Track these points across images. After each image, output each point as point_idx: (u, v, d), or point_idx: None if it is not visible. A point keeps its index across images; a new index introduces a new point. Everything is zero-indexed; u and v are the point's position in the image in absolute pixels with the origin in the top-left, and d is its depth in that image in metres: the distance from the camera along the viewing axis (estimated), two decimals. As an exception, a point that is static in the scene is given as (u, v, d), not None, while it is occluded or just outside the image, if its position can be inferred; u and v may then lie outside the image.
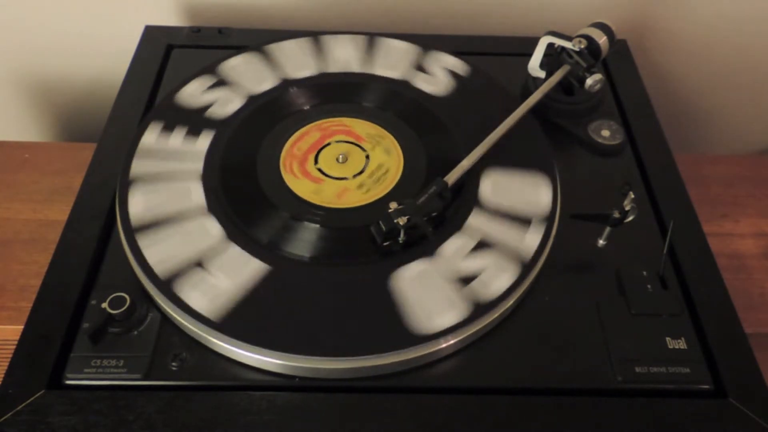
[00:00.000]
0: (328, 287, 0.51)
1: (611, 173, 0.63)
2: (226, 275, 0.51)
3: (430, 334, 0.48)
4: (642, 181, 0.62)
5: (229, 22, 0.84)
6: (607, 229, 0.55)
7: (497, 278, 0.52)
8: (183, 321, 0.49)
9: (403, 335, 0.48)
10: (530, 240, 0.54)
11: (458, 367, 0.49)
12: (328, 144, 0.62)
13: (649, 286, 0.53)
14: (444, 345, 0.49)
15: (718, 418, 0.47)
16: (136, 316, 0.50)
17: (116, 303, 0.49)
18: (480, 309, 0.50)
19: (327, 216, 0.55)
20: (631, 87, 0.72)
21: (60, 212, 0.69)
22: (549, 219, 0.56)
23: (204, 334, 0.49)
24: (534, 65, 0.68)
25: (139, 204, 0.56)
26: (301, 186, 0.58)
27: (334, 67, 0.69)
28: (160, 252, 0.53)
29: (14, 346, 0.49)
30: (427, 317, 0.49)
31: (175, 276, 0.51)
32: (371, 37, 0.73)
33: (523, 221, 0.56)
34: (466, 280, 0.52)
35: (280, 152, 0.61)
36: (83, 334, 0.49)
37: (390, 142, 0.61)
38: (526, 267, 0.52)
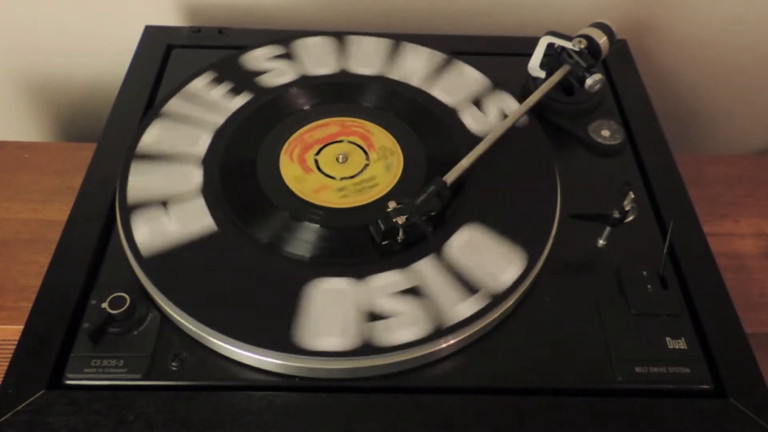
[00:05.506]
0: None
1: (611, 173, 0.63)
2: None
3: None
4: (642, 181, 0.62)
5: (229, 22, 0.84)
6: (607, 229, 0.56)
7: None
8: (183, 321, 0.49)
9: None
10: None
11: (458, 367, 0.49)
12: (337, 141, 0.62)
13: (649, 286, 0.53)
14: (444, 345, 0.49)
15: (718, 418, 0.47)
16: (136, 316, 0.50)
17: (116, 303, 0.49)
18: (479, 309, 0.50)
19: (327, 216, 0.55)
20: (631, 87, 0.72)
21: (60, 212, 0.69)
22: (549, 219, 0.56)
23: (204, 334, 0.49)
24: (534, 65, 0.68)
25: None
26: (290, 170, 0.59)
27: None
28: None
29: (14, 346, 0.49)
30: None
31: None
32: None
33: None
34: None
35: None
36: (83, 334, 0.49)
37: (396, 159, 0.61)
38: (525, 267, 0.52)
